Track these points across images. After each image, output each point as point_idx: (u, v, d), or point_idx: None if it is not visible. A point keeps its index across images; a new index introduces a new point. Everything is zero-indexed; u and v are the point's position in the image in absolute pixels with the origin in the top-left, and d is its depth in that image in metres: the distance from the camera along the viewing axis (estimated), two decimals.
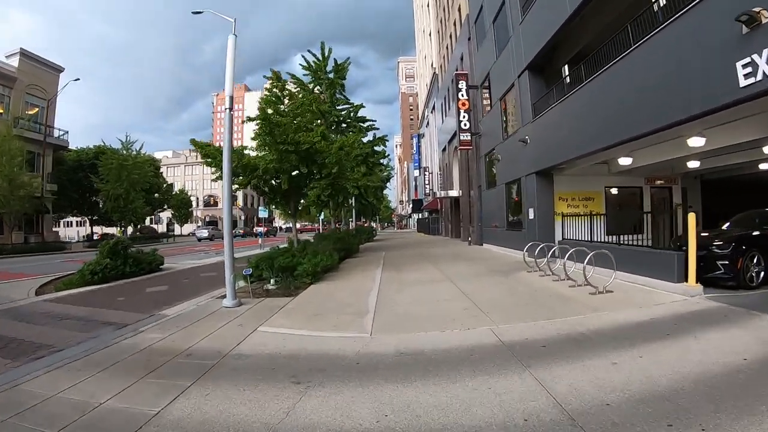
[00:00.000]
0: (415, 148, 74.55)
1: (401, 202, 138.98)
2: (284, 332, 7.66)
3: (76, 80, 41.58)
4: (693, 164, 16.60)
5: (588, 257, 10.30)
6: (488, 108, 24.89)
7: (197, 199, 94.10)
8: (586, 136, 13.30)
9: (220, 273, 11.65)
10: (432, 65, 52.98)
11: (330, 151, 14.58)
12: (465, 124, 25.93)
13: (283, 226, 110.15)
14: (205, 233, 56.59)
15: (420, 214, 74.69)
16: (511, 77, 19.58)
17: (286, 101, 15.83)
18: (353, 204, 33.45)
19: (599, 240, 13.69)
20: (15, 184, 33.39)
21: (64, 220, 76.14)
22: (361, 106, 26.37)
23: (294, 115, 14.74)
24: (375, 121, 26.76)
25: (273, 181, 14.89)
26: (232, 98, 10.52)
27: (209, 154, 14.19)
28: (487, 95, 25.09)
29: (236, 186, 14.88)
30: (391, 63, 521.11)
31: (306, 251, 15.20)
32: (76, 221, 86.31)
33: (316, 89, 24.72)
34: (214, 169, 14.53)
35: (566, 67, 16.36)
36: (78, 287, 14.46)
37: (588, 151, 13.46)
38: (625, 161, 15.61)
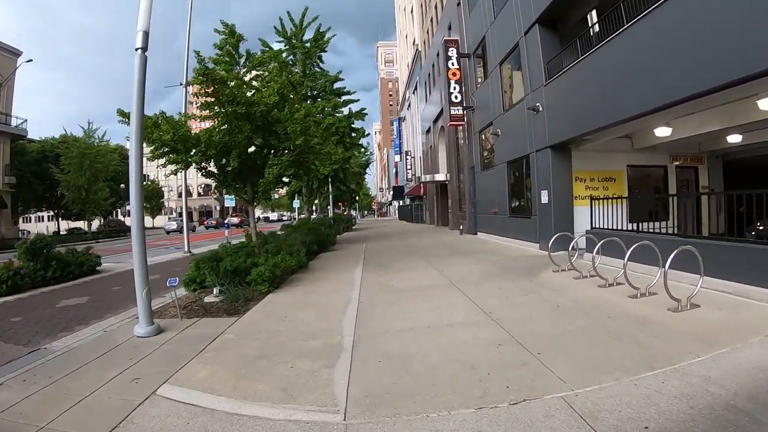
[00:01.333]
0: (395, 132, 71.17)
1: (381, 189, 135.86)
2: (196, 403, 4.42)
3: (28, 61, 39.23)
4: (734, 139, 13.65)
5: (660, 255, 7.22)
6: (481, 80, 21.70)
7: (170, 190, 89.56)
8: (626, 97, 10.21)
9: (165, 275, 10.18)
10: (414, 43, 49.59)
11: (294, 118, 11.20)
12: (456, 97, 22.67)
13: (267, 216, 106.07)
14: (174, 225, 53.36)
15: (401, 202, 71.39)
16: (514, 37, 16.38)
17: (243, 68, 12.44)
18: (330, 190, 29.97)
19: (622, 228, 10.91)
20: None
21: (36, 215, 72.77)
22: (339, 77, 22.94)
23: (256, 87, 11.50)
24: (354, 92, 23.37)
25: (223, 160, 11.61)
26: (146, 34, 7.21)
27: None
28: (480, 66, 21.90)
29: (174, 166, 11.53)
30: (370, 49, 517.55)
31: (266, 247, 11.93)
32: (48, 216, 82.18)
33: (289, 59, 21.25)
34: (151, 148, 11.17)
35: (593, 13, 13.15)
36: None
37: (626, 117, 10.37)
38: (662, 132, 12.57)
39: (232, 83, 10.73)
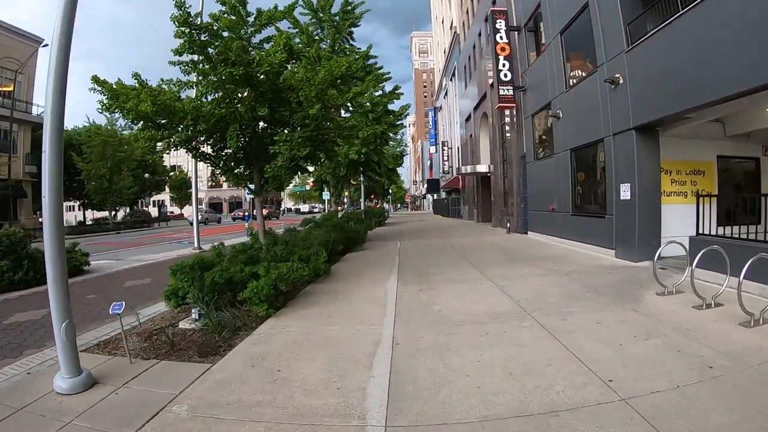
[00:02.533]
0: (431, 123, 68.04)
1: (414, 182, 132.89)
2: None
3: (44, 46, 36.91)
4: None
5: None
6: (533, 56, 18.73)
7: (198, 179, 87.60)
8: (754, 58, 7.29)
9: (159, 278, 9.19)
10: (452, 26, 46.50)
11: (309, 81, 8.41)
12: (505, 75, 19.69)
13: (298, 207, 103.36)
14: (198, 217, 50.49)
15: (436, 195, 68.21)
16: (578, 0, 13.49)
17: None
18: (361, 179, 26.93)
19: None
20: None
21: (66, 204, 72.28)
22: (370, 54, 20.05)
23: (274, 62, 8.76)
24: (389, 72, 20.47)
25: (218, 138, 9.06)
26: None
27: (116, 94, 8.29)
28: (533, 41, 18.94)
29: (159, 144, 9.03)
30: (404, 41, 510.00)
31: (275, 250, 9.35)
32: (78, 205, 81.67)
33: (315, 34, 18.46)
34: (140, 125, 8.65)
35: None
36: None
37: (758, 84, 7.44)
38: None
39: (225, 34, 8.12)
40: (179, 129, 8.80)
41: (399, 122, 20.72)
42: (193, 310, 6.92)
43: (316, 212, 68.17)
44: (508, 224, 22.13)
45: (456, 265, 11.82)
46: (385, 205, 68.14)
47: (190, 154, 9.68)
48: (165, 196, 72.61)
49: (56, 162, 4.66)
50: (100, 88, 8.28)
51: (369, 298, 8.20)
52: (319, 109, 8.15)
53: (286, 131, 9.27)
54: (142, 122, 8.51)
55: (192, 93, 9.42)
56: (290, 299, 8.03)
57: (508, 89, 19.66)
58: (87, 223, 48.89)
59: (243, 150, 9.50)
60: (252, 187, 10.24)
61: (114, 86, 8.36)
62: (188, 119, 8.43)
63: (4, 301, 9.87)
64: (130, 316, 7.29)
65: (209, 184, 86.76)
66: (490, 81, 22.03)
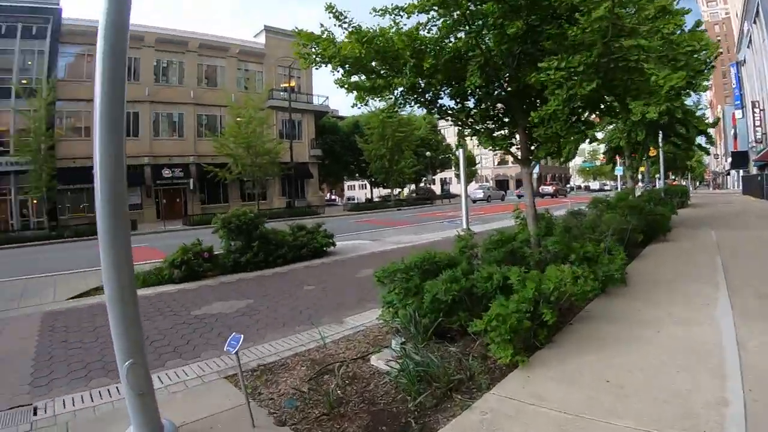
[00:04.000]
0: (734, 81, 55.31)
1: (716, 156, 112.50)
2: None
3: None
4: None
5: None
6: None
7: (482, 156, 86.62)
8: None
9: None
10: None
11: None
12: None
13: (587, 185, 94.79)
14: (480, 194, 49.46)
15: (743, 171, 55.04)
16: None
17: None
18: (660, 146, 20.84)
19: None
20: (256, 152, 32.37)
21: (358, 182, 79.71)
22: None
23: None
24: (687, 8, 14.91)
25: (450, 83, 6.40)
26: None
27: (314, 40, 6.27)
28: None
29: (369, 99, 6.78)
30: None
31: (545, 244, 6.32)
32: (359, 184, 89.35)
33: None
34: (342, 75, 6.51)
35: None
36: (148, 286, 9.13)
37: None
38: None
39: None
40: (398, 75, 6.33)
41: (706, 69, 14.78)
42: (393, 341, 4.38)
43: (607, 190, 61.18)
44: None
45: None
46: (682, 182, 57.20)
47: (420, 108, 7.15)
48: (451, 173, 74.24)
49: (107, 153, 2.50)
50: (307, 44, 6.41)
51: (687, 345, 4.47)
52: (608, 10, 4.74)
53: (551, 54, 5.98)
54: (346, 69, 6.35)
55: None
56: (557, 329, 4.92)
57: None
58: (374, 200, 51.25)
59: (498, 100, 6.70)
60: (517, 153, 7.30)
61: (311, 34, 6.37)
62: (409, 60, 5.91)
63: (219, 285, 9.11)
64: (332, 325, 5.64)
65: (496, 161, 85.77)
66: None
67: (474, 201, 47.82)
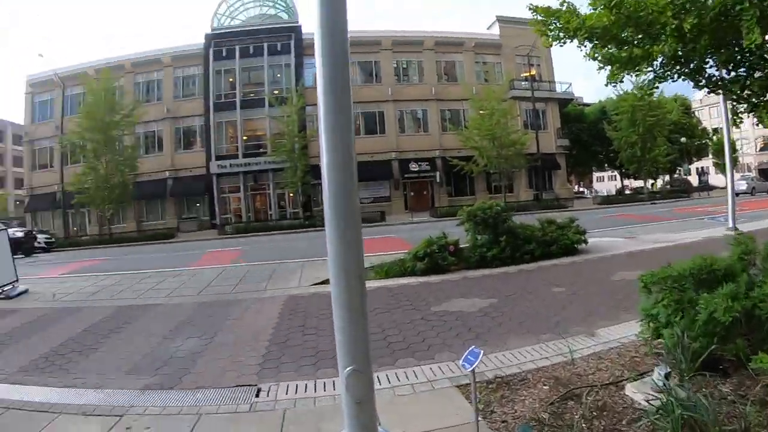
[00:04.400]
0: None
1: None
2: None
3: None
4: None
5: None
6: None
7: (746, 141, 72.27)
8: None
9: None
10: None
11: None
12: None
13: None
14: (743, 185, 42.03)
15: None
16: None
17: None
18: None
19: None
20: (501, 143, 32.40)
21: (597, 174, 74.60)
22: None
23: None
24: None
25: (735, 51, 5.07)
26: None
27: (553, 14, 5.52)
28: None
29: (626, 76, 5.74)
30: None
31: None
32: (608, 175, 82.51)
33: None
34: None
35: None
36: (391, 277, 9.49)
37: None
38: None
39: None
40: (656, 42, 5.27)
41: None
42: (656, 370, 3.53)
43: None
44: None
45: None
46: None
47: (692, 84, 5.88)
48: (708, 162, 64.10)
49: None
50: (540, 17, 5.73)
51: None
52: None
53: None
54: (594, 42, 5.48)
55: None
56: None
57: None
58: (625, 192, 47.48)
59: None
60: None
61: (548, 9, 5.62)
62: (668, 19, 4.83)
63: (462, 279, 8.86)
64: (581, 337, 4.93)
65: (758, 146, 72.11)
66: None
67: (736, 194, 40.82)
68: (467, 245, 10.13)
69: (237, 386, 4.52)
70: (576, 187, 71.39)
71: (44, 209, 37.99)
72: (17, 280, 11.51)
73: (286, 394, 4.26)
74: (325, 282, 8.84)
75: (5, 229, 12.22)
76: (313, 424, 3.65)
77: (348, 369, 2.42)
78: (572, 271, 9.08)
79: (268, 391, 4.33)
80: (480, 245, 9.90)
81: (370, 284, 8.08)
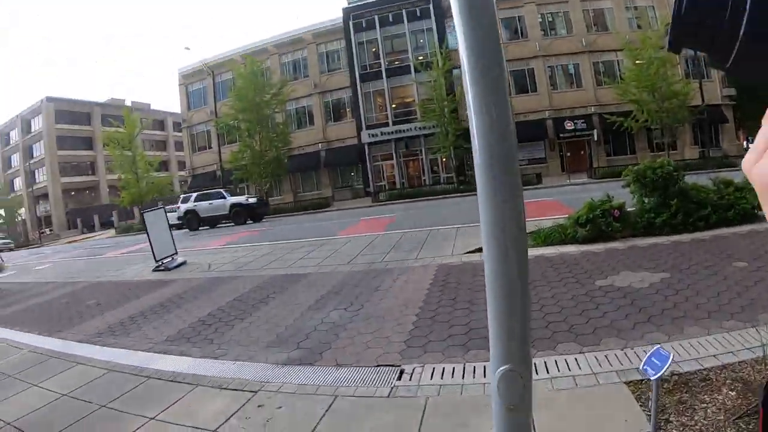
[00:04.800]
0: None
1: None
2: None
3: None
4: None
5: None
6: None
7: None
8: None
9: None
10: None
11: None
12: None
13: None
14: None
15: None
16: None
17: None
18: None
19: None
20: (662, 95, 29.57)
21: None
22: None
23: None
24: None
25: None
26: None
27: None
28: None
29: None
30: None
31: None
32: None
33: None
34: None
35: None
36: (550, 244, 9.03)
37: None
38: None
39: None
40: None
41: None
42: None
43: None
44: None
45: None
46: None
47: None
48: None
49: None
50: None
51: None
52: None
53: None
54: None
55: None
56: None
57: None
58: None
59: None
60: None
61: None
62: None
63: (628, 249, 8.06)
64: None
65: None
66: None
67: None
68: (633, 209, 9.25)
69: (378, 366, 4.41)
70: (745, 143, 63.23)
71: (206, 186, 41.98)
72: (176, 253, 12.77)
73: (431, 378, 4.03)
74: (479, 250, 8.43)
75: (163, 207, 13.62)
76: (459, 419, 3.36)
77: (501, 369, 2.16)
78: (755, 242, 7.69)
79: (412, 374, 4.13)
80: (648, 210, 8.99)
81: (530, 254, 7.70)
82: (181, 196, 33.38)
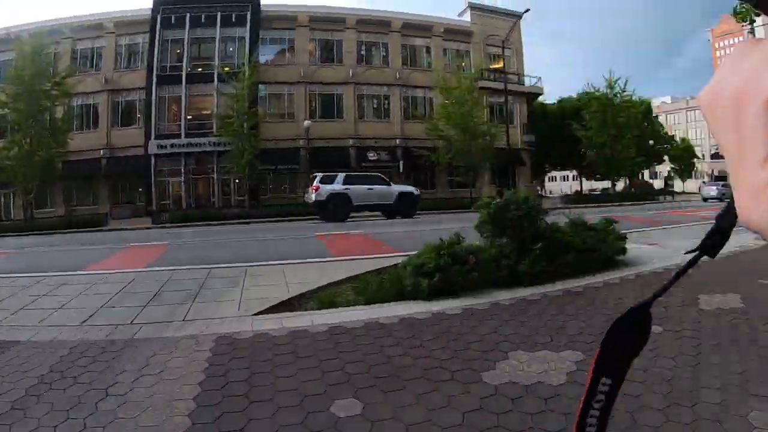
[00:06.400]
0: None
1: None
2: None
3: (526, 11, 38.39)
4: None
5: None
6: None
7: (702, 150, 76.93)
8: None
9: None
10: None
11: None
12: None
13: None
14: (713, 191, 41.62)
15: None
16: None
17: None
18: None
19: None
20: (472, 134, 30.68)
21: (560, 173, 75.34)
22: None
23: None
24: None
25: None
26: None
27: None
28: None
29: None
30: None
31: None
32: (561, 176, 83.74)
33: None
34: None
35: None
36: (377, 302, 6.14)
37: None
38: None
39: None
40: None
41: None
42: None
43: None
44: None
45: None
46: None
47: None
48: (665, 167, 66.24)
49: None
50: None
51: None
52: None
53: None
54: None
55: None
56: None
57: None
58: (584, 193, 47.70)
59: None
60: None
61: None
62: None
63: (491, 307, 5.59)
64: None
65: (713, 152, 75.02)
66: None
67: (705, 200, 41.59)
68: (484, 254, 7.23)
69: None
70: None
71: None
72: None
73: None
74: (281, 307, 5.92)
75: None
76: None
77: None
78: (635, 294, 6.05)
79: None
80: (506, 254, 7.20)
81: (353, 318, 5.24)
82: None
